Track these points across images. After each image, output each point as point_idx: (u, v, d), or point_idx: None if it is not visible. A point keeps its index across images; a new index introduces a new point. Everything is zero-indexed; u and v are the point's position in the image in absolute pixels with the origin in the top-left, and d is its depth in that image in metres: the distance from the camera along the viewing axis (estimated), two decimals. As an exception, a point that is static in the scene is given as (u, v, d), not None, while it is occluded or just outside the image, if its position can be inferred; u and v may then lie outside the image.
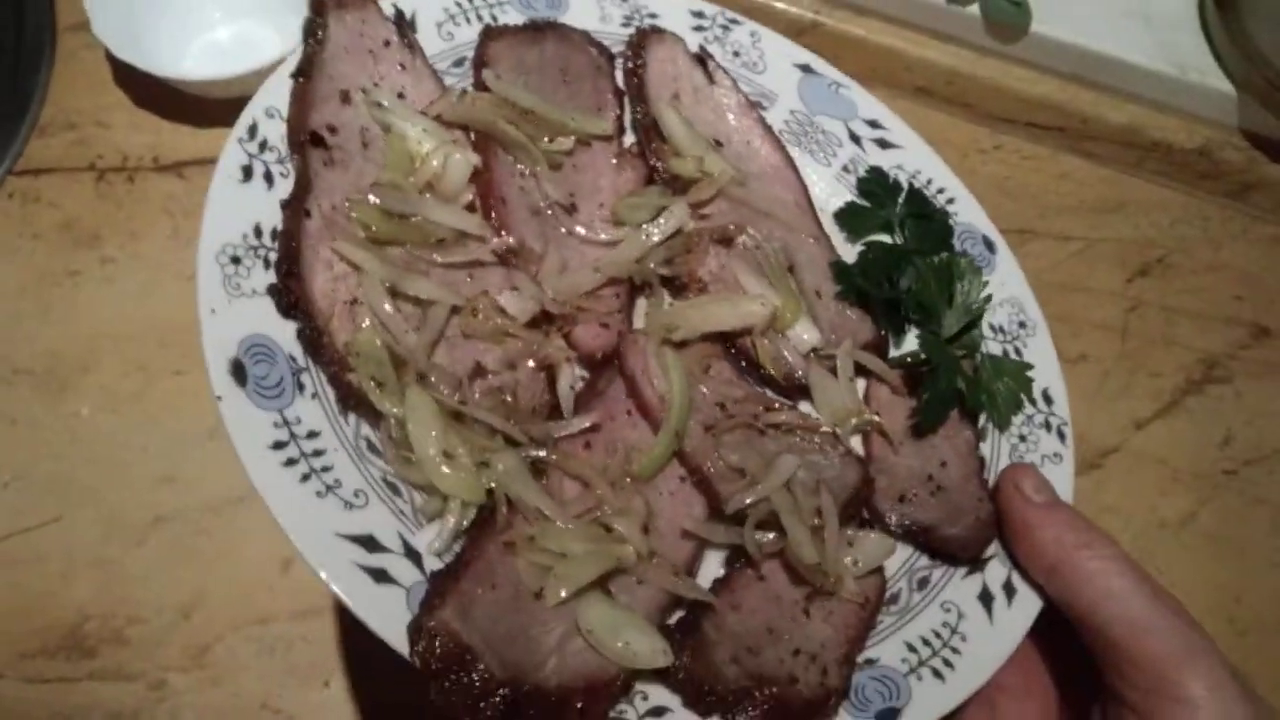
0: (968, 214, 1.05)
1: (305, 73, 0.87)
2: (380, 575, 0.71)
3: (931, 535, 0.86)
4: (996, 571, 0.87)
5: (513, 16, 1.01)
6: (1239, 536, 0.84)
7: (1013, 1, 1.37)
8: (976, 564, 0.87)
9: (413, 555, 0.74)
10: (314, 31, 0.88)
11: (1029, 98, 1.43)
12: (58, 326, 1.15)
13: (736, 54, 1.08)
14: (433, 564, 0.74)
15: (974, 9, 1.39)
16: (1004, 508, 0.88)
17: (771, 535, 0.82)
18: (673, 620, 0.79)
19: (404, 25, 0.93)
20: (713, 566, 0.84)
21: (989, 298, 0.97)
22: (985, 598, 0.85)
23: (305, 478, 0.73)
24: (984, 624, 0.84)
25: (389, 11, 0.94)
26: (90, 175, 1.24)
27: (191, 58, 1.30)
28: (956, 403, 0.92)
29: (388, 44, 0.92)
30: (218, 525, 1.07)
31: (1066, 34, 1.41)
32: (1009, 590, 0.86)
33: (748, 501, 0.82)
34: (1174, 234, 1.41)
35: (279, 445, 0.73)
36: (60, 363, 1.13)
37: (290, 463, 0.73)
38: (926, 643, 0.83)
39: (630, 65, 1.02)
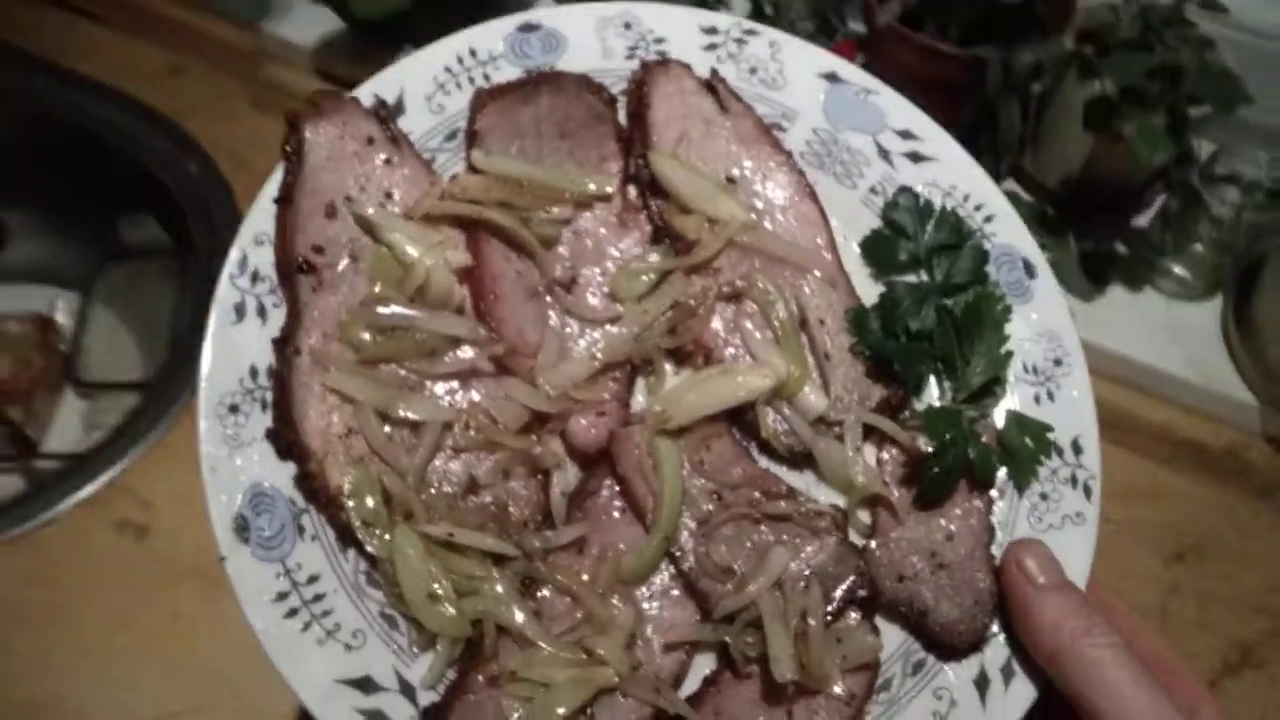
0: (1007, 233, 0.98)
1: (287, 197, 0.88)
2: (375, 716, 0.79)
3: (927, 620, 0.86)
4: (997, 653, 0.86)
5: (507, 71, 0.98)
6: (1273, 820, 0.92)
7: None
8: (975, 648, 0.86)
9: (407, 690, 0.81)
10: (293, 149, 0.89)
11: (1070, 392, 1.59)
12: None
13: (753, 70, 1.01)
14: (427, 696, 0.81)
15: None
16: (1007, 588, 0.86)
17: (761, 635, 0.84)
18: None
19: (386, 118, 0.93)
20: (708, 659, 0.87)
21: (1010, 355, 0.92)
22: (981, 682, 0.85)
23: (307, 626, 0.80)
24: (976, 712, 0.85)
25: (368, 100, 0.93)
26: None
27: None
28: (964, 475, 0.89)
29: (371, 141, 0.92)
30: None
31: (1107, 341, 1.62)
32: (1007, 674, 0.85)
33: (735, 606, 0.84)
34: (1206, 524, 1.52)
35: (281, 596, 0.81)
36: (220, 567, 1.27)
37: (292, 613, 0.80)
38: None
39: (633, 107, 0.98)
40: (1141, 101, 1.45)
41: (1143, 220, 1.72)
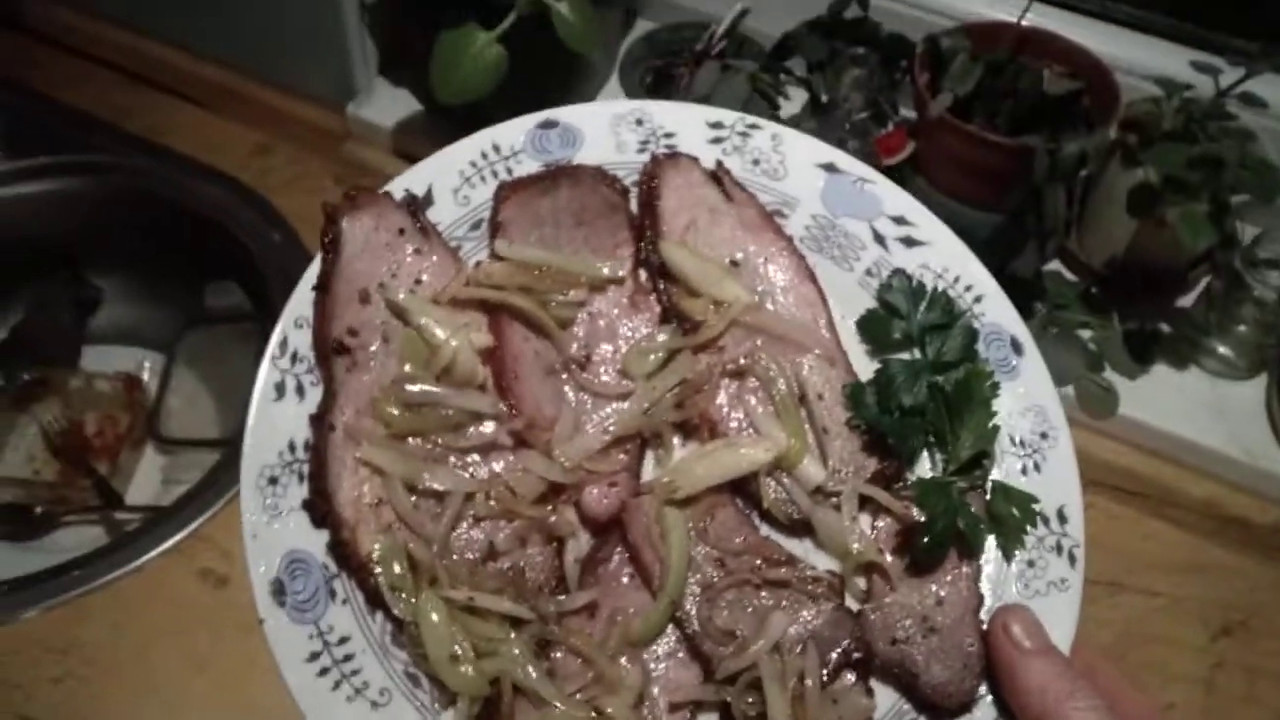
0: (995, 313, 1.04)
1: (325, 285, 0.96)
2: (401, 770, 0.85)
3: (918, 682, 0.91)
4: (985, 715, 0.91)
5: (528, 165, 1.05)
6: None
7: (1103, 387, 1.61)
8: (964, 709, 0.91)
9: (430, 747, 0.87)
10: (331, 241, 0.97)
11: (1117, 467, 1.63)
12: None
13: (756, 162, 1.08)
14: (448, 753, 0.87)
15: (1069, 390, 1.61)
16: (994, 652, 0.91)
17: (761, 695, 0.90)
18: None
19: (416, 210, 1.00)
20: (711, 719, 0.92)
21: (997, 430, 0.97)
22: None
23: (337, 685, 0.87)
24: None
25: (400, 194, 1.01)
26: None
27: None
28: (954, 544, 0.94)
29: (402, 232, 1.00)
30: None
31: (1150, 417, 1.65)
32: None
33: (736, 668, 0.90)
34: (1253, 599, 1.52)
35: (314, 656, 0.87)
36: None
37: (324, 672, 0.87)
38: None
39: (644, 198, 1.06)
40: (1184, 190, 1.50)
41: (1187, 301, 1.74)
